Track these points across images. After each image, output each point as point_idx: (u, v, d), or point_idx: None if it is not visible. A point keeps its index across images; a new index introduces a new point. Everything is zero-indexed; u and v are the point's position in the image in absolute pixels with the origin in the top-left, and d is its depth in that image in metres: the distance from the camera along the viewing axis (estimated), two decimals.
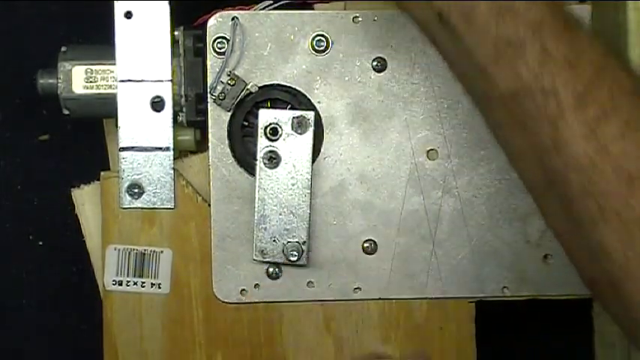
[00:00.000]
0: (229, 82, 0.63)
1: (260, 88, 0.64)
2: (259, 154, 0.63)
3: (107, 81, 0.64)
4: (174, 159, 0.64)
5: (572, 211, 0.50)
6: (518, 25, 0.49)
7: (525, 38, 0.49)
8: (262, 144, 0.63)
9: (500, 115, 0.52)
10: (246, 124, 0.64)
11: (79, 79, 0.63)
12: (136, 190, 0.64)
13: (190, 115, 0.64)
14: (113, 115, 0.64)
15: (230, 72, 0.63)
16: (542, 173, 0.51)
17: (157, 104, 0.64)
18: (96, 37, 0.67)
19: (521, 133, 0.51)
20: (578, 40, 0.50)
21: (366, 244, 0.64)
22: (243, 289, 0.64)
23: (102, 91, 0.64)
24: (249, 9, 0.64)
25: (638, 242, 0.49)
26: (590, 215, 0.49)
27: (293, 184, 0.63)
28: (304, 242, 0.63)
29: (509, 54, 0.50)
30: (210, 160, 0.64)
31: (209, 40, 0.63)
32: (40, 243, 0.73)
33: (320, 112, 0.64)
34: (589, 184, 0.49)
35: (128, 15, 0.63)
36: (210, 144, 0.64)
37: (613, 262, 0.49)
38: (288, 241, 0.63)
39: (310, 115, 0.63)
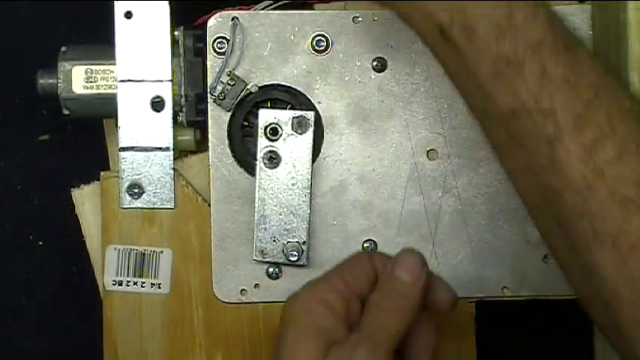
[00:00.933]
0: (229, 82, 0.63)
1: (260, 88, 0.64)
2: (259, 154, 0.63)
3: (107, 81, 0.64)
4: (174, 159, 0.64)
5: (566, 231, 0.50)
6: (519, 44, 0.49)
7: (525, 58, 0.49)
8: (262, 144, 0.63)
9: (498, 132, 0.52)
10: (246, 124, 0.64)
11: (79, 79, 0.63)
12: (136, 190, 0.64)
13: (190, 115, 0.64)
14: (113, 115, 0.64)
15: (230, 72, 0.63)
16: (538, 191, 0.51)
17: (157, 104, 0.64)
18: (96, 37, 0.67)
19: (519, 152, 0.51)
20: (579, 61, 0.50)
21: (366, 244, 0.64)
22: (243, 289, 0.64)
23: (102, 91, 0.64)
24: (249, 9, 0.64)
25: (631, 266, 0.48)
26: (584, 237, 0.49)
27: (293, 184, 0.63)
28: (304, 242, 0.63)
29: (509, 73, 0.49)
30: (210, 160, 0.64)
31: (209, 40, 0.63)
32: (40, 243, 0.73)
33: (320, 112, 0.64)
34: (584, 206, 0.49)
35: (128, 15, 0.63)
36: (210, 144, 0.64)
37: (605, 285, 0.49)
38: (288, 241, 0.63)
39: (310, 115, 0.63)
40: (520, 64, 0.49)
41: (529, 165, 0.51)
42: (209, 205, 0.64)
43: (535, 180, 0.51)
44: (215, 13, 0.63)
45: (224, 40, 0.63)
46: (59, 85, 0.63)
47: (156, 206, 0.64)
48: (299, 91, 0.64)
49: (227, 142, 0.64)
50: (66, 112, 0.64)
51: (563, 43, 0.50)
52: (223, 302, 0.64)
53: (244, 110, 0.64)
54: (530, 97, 0.49)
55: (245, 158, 0.64)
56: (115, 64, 0.63)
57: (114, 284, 0.64)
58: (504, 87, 0.50)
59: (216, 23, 0.63)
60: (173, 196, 0.64)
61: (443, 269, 0.64)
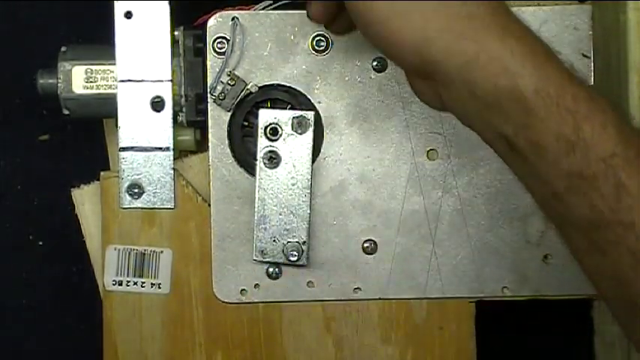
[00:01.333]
0: (229, 82, 0.63)
1: (260, 88, 0.64)
2: (259, 154, 0.63)
3: (107, 81, 0.64)
4: (174, 159, 0.64)
5: None
6: (590, 158, 0.47)
7: (598, 172, 0.47)
8: (262, 144, 0.63)
9: (578, 239, 0.50)
10: (246, 124, 0.64)
11: (79, 79, 0.63)
12: (136, 190, 0.64)
13: (190, 115, 0.64)
14: (113, 115, 0.64)
15: (230, 72, 0.63)
16: (625, 296, 0.49)
17: (157, 104, 0.64)
18: (96, 37, 0.67)
19: (601, 259, 0.49)
20: None
21: (366, 244, 0.64)
22: (243, 289, 0.64)
23: (102, 91, 0.64)
24: (249, 9, 0.64)
25: None
26: None
27: (293, 184, 0.63)
28: (304, 242, 0.63)
29: (583, 186, 0.48)
30: (210, 160, 0.64)
31: (209, 40, 0.63)
32: (40, 243, 0.73)
33: (320, 112, 0.64)
34: None
35: (128, 15, 0.63)
36: (210, 144, 0.64)
37: None
38: (288, 241, 0.63)
39: (310, 115, 0.63)
40: (594, 177, 0.47)
41: (613, 273, 0.49)
42: (209, 205, 0.64)
43: (620, 288, 0.49)
44: (215, 13, 0.63)
45: (224, 40, 0.63)
46: (59, 85, 0.63)
47: (156, 206, 0.64)
48: (299, 91, 0.64)
49: (227, 142, 0.64)
50: (66, 112, 0.64)
51: (636, 151, 0.48)
52: (223, 302, 0.64)
53: (244, 110, 0.64)
54: (609, 210, 0.47)
55: (245, 158, 0.64)
56: (115, 64, 0.63)
57: (114, 284, 0.64)
58: (580, 199, 0.48)
59: (216, 23, 0.63)
60: (173, 196, 0.64)
61: (443, 269, 0.64)
